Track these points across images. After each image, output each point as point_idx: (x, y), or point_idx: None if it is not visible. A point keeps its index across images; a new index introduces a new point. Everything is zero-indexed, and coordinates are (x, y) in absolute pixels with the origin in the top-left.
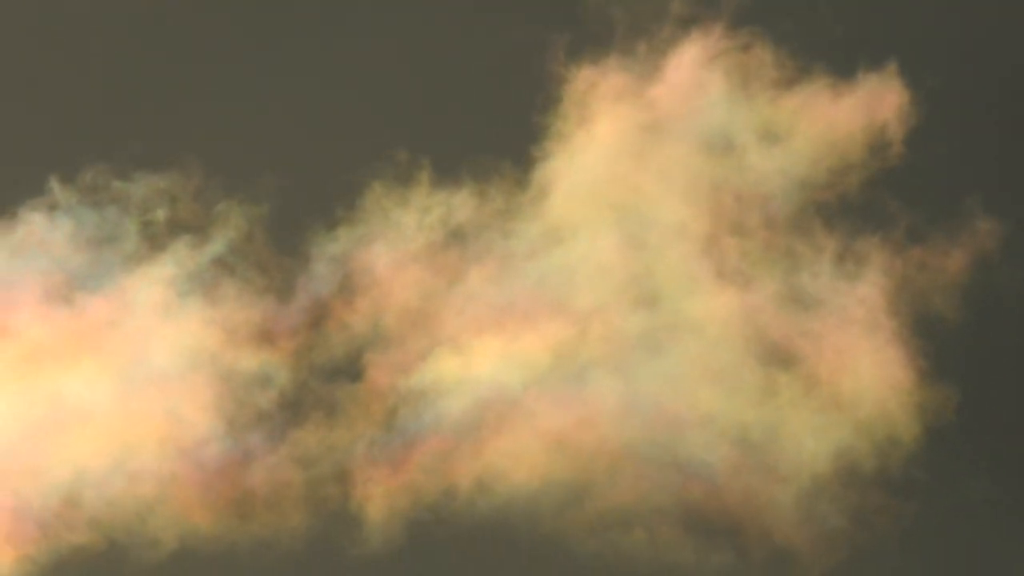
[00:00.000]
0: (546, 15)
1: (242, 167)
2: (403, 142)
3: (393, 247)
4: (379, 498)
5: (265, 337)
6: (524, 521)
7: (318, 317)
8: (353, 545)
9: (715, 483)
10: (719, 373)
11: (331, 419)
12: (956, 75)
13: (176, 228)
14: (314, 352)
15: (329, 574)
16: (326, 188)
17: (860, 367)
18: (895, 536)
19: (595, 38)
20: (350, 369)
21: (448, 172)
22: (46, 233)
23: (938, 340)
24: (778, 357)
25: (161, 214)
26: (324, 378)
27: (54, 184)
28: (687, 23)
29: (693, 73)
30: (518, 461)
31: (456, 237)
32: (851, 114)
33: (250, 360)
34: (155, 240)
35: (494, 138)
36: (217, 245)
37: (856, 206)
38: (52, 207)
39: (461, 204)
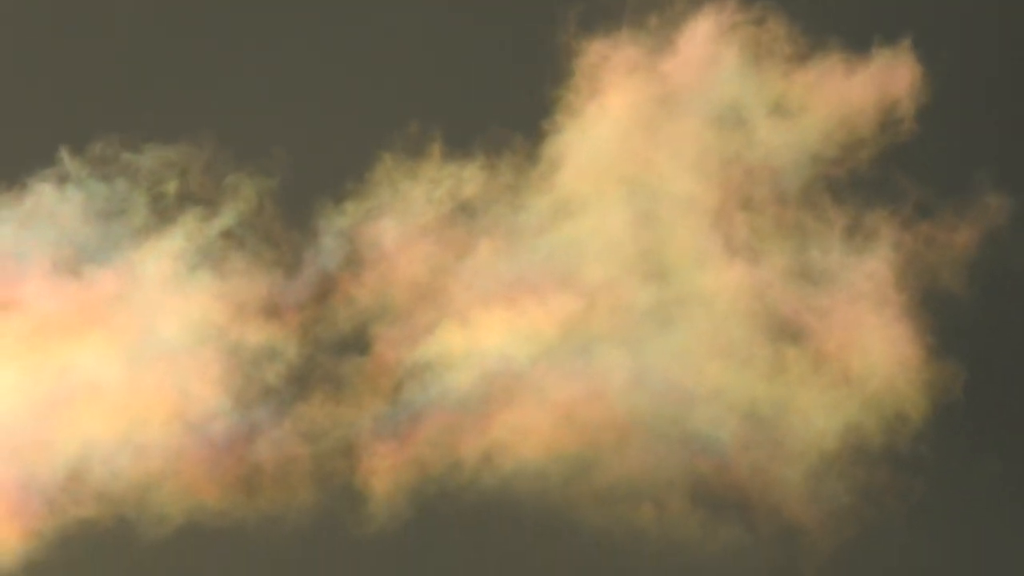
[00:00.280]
0: None
1: (253, 139)
2: (414, 114)
3: (402, 221)
4: (385, 472)
5: (272, 311)
6: (531, 495)
7: (325, 291)
8: (359, 520)
9: (723, 458)
10: (728, 348)
11: (338, 393)
12: (969, 51)
13: (185, 200)
14: (321, 326)
15: (335, 549)
16: (336, 160)
17: (868, 343)
18: (903, 513)
19: (607, 10)
20: (357, 343)
21: (459, 145)
22: (55, 205)
23: (947, 316)
24: (787, 332)
25: (171, 186)
26: (331, 352)
27: (64, 155)
28: None
29: (706, 47)
30: (525, 435)
31: (465, 211)
32: (863, 89)
33: (257, 334)
34: (164, 213)
35: (505, 111)
36: (227, 218)
37: (866, 181)
38: (62, 178)
39: (471, 177)
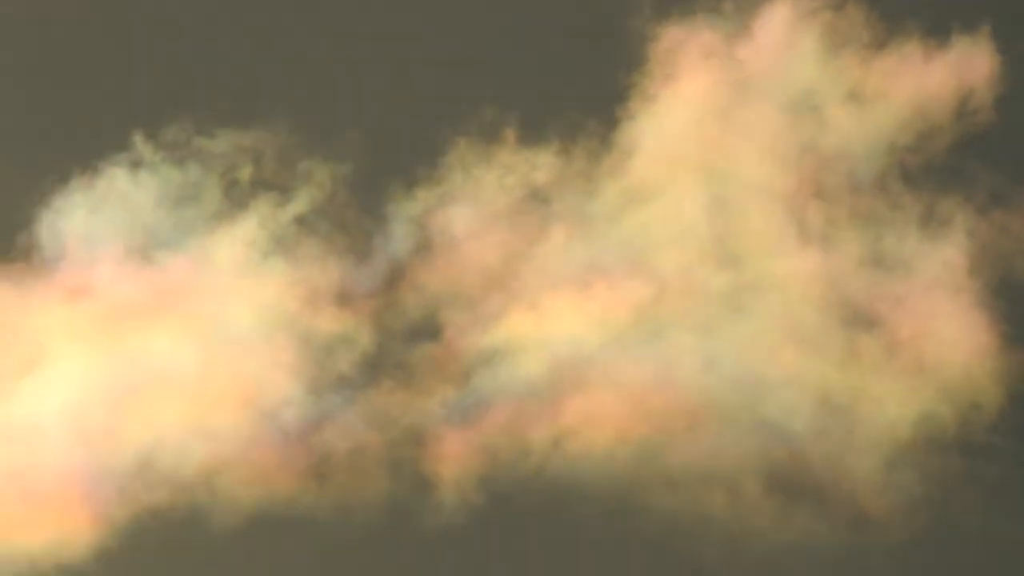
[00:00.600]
0: None
1: (326, 124)
2: (489, 99)
3: (474, 207)
4: (454, 459)
5: (344, 298)
6: (600, 481)
7: (396, 278)
8: (428, 507)
9: (796, 445)
10: (801, 335)
11: (408, 381)
12: None
13: (259, 186)
14: (391, 313)
15: (405, 535)
16: (409, 145)
17: (942, 331)
18: (976, 501)
19: None
20: (427, 330)
21: (533, 130)
22: (128, 190)
23: (1021, 304)
24: (860, 320)
25: (244, 172)
26: (401, 339)
27: (137, 140)
28: None
29: (783, 32)
30: (595, 421)
31: (537, 197)
32: (941, 77)
33: (329, 322)
34: (238, 198)
35: (580, 97)
36: (300, 204)
37: (941, 169)
38: (135, 163)
39: (544, 163)
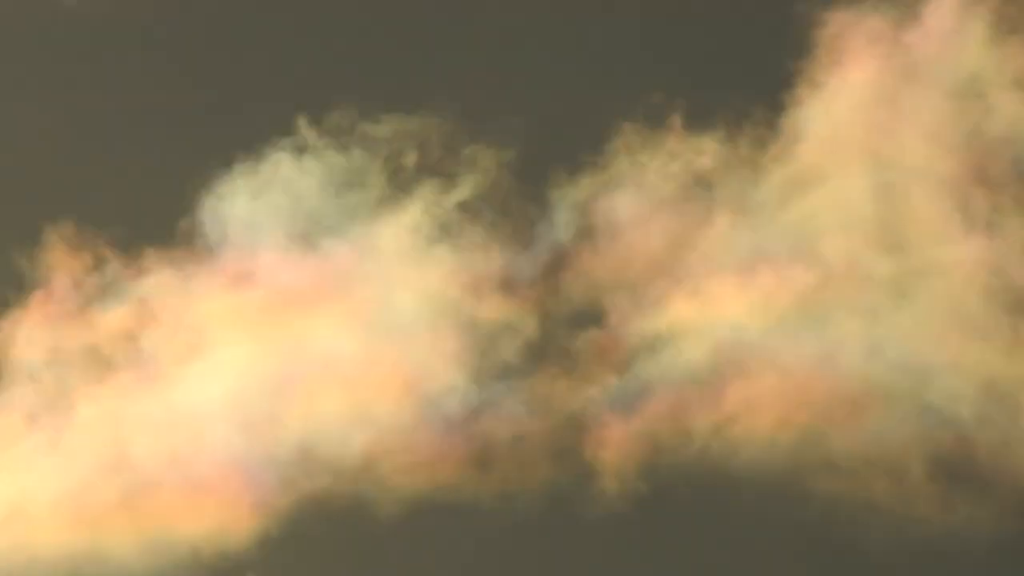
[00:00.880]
0: None
1: (491, 109)
2: (655, 85)
3: (638, 194)
4: (616, 446)
5: (507, 285)
6: (761, 466)
7: (559, 265)
8: (590, 494)
9: (962, 433)
10: (966, 321)
11: (571, 368)
12: None
13: (423, 172)
14: (555, 300)
15: (566, 522)
16: (574, 131)
17: None
18: None
19: None
20: (591, 317)
21: (699, 116)
22: (291, 175)
23: None
24: None
25: (409, 158)
26: (565, 326)
27: (301, 124)
28: None
29: (951, 18)
30: (757, 407)
31: (702, 183)
32: None
33: (493, 309)
34: (402, 184)
35: (746, 83)
36: (464, 190)
37: None
38: (299, 148)
39: (709, 150)
